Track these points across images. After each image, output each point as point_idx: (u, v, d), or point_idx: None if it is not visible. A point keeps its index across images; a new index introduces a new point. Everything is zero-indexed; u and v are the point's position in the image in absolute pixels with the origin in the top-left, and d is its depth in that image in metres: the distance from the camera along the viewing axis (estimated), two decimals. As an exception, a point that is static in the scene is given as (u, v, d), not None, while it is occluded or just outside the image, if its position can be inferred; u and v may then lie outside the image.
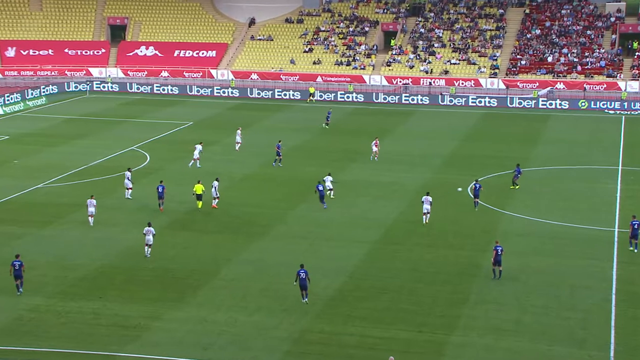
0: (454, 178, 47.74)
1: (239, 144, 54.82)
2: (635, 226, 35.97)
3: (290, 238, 37.42)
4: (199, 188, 41.66)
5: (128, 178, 43.23)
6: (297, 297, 30.35)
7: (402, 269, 33.49)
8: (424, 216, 39.50)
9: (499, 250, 31.93)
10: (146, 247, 34.73)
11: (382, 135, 59.52)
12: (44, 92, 78.19)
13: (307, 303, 29.81)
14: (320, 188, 42.00)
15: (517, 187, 45.48)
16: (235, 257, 34.85)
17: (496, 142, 57.87)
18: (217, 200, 41.63)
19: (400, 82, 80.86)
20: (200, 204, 41.54)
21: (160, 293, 30.88)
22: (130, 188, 43.07)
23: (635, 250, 35.63)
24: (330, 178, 44.69)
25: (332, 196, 43.61)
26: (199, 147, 50.67)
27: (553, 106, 73.89)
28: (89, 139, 59.78)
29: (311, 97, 76.84)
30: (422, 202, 39.60)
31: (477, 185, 42.35)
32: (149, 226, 35.16)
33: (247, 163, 51.25)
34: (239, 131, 55.73)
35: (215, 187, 41.73)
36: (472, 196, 42.38)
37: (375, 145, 52.05)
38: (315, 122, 66.20)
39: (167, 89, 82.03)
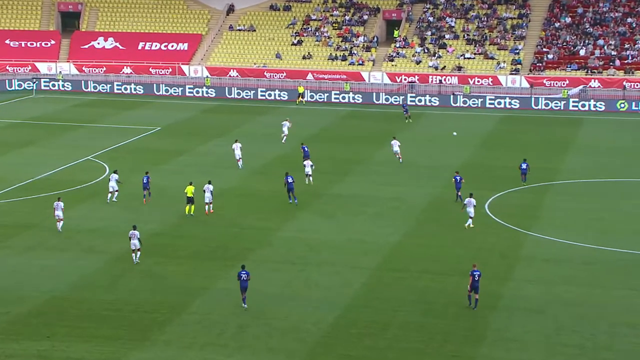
0: (466, 194, 47.85)
1: (285, 136, 60.05)
2: None
3: (276, 263, 37.47)
4: (190, 190, 43.09)
5: (116, 180, 45.75)
6: (285, 334, 30.36)
7: (407, 300, 33.56)
8: (470, 220, 41.48)
9: (477, 276, 32.47)
10: (133, 254, 36.82)
11: (383, 142, 59.73)
12: (-18, 91, 78.27)
13: (246, 309, 31.97)
14: (290, 180, 44.48)
15: (524, 183, 49.13)
16: (211, 286, 34.86)
17: (518, 151, 58.12)
18: (210, 205, 43.76)
19: (405, 80, 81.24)
20: (188, 208, 43.15)
21: (121, 330, 30.81)
22: (117, 191, 45.73)
23: None
24: (310, 162, 47.96)
25: (311, 183, 48.09)
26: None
27: (586, 108, 74.34)
28: (36, 147, 59.75)
29: (301, 98, 77.09)
30: (465, 204, 41.82)
31: (458, 178, 45.68)
32: (134, 229, 36.74)
33: (224, 175, 51.32)
34: (287, 122, 61.24)
35: (210, 191, 43.51)
36: (456, 190, 45.73)
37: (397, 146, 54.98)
38: (306, 126, 66.38)
39: (130, 88, 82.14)
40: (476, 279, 32.46)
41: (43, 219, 43.08)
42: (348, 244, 39.92)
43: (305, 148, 52.95)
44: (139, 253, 37.16)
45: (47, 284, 35.00)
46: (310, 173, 48.81)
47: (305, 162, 49.63)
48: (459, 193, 45.72)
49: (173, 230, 41.90)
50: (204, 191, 43.84)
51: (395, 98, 76.94)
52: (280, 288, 34.52)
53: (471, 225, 41.81)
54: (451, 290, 34.29)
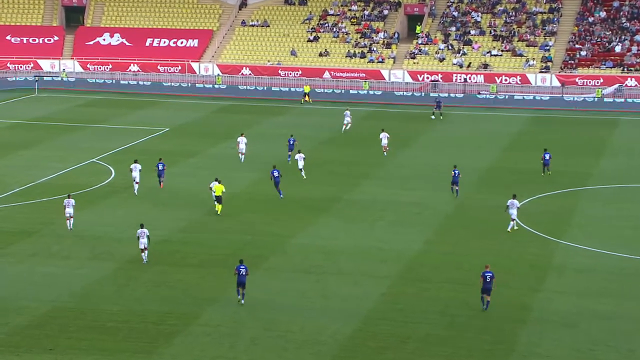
0: (493, 198, 47.77)
1: (347, 125, 64.17)
2: None
3: (290, 272, 37.49)
4: (219, 189, 44.47)
5: (139, 170, 47.93)
6: (300, 347, 30.36)
7: (429, 311, 33.47)
8: (512, 222, 41.82)
9: (488, 277, 33.07)
10: (142, 253, 37.95)
11: (404, 144, 59.84)
12: (-19, 90, 78.80)
13: (242, 304, 33.33)
14: (276, 174, 46.60)
15: (549, 173, 51.72)
16: (221, 296, 34.88)
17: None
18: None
19: (427, 78, 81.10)
20: (219, 207, 44.66)
21: (126, 342, 30.88)
22: (138, 182, 47.97)
23: None
24: (302, 155, 50.27)
25: (304, 176, 50.61)
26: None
27: (622, 108, 73.92)
28: (38, 149, 60.06)
29: (307, 98, 77.04)
30: (508, 206, 42.12)
31: (457, 172, 47.64)
32: (142, 227, 37.77)
33: (236, 178, 51.36)
34: (348, 112, 65.40)
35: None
36: (451, 184, 47.70)
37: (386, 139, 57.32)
38: (323, 127, 66.48)
39: (137, 87, 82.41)
40: (487, 280, 33.08)
41: (45, 224, 43.30)
42: (367, 252, 39.87)
43: (292, 141, 55.17)
44: (146, 252, 37.94)
45: (49, 293, 35.11)
46: (302, 167, 51.11)
47: (297, 156, 51.60)
48: (457, 187, 47.53)
49: (182, 236, 41.99)
50: (210, 188, 45.08)
51: (418, 96, 76.80)
52: (295, 298, 34.51)
53: (515, 228, 42.20)
54: (476, 302, 34.14)
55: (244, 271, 33.47)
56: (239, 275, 33.47)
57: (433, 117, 69.45)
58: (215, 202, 44.77)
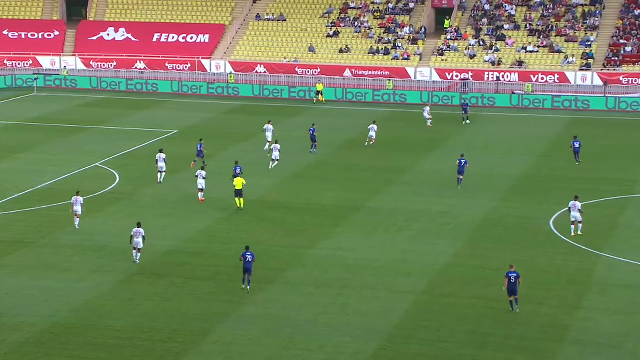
0: (528, 208, 47.62)
1: (429, 120, 67.08)
2: None
3: (308, 286, 37.52)
4: (239, 182, 46.15)
5: (164, 160, 51.05)
6: (316, 369, 30.43)
7: (459, 330, 33.42)
8: (572, 226, 42.27)
9: (513, 278, 34.06)
10: (134, 252, 39.12)
11: (431, 149, 59.66)
12: (-23, 89, 79.34)
13: (248, 291, 35.49)
14: (238, 171, 48.40)
15: (579, 162, 54.70)
16: (234, 312, 34.97)
17: (589, 159, 57.69)
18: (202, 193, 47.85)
19: (457, 77, 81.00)
20: (240, 202, 46.45)
21: (131, 361, 31.02)
22: (164, 172, 51.05)
23: None
24: (278, 147, 54.06)
25: (271, 167, 53.53)
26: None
27: (668, 109, 73.73)
28: (37, 152, 60.41)
29: (320, 97, 77.17)
30: (569, 208, 43.24)
31: (463, 161, 50.31)
32: (138, 227, 38.84)
33: (250, 184, 51.33)
34: (427, 107, 67.98)
35: (203, 178, 47.87)
36: (457, 174, 50.15)
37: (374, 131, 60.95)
38: (343, 130, 66.46)
39: (144, 86, 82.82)
40: (512, 281, 34.10)
41: (44, 234, 43.56)
42: (390, 265, 39.87)
43: (312, 130, 57.93)
44: (139, 254, 38.99)
45: (48, 308, 35.27)
46: (277, 158, 53.63)
47: (273, 146, 54.28)
48: (461, 177, 50.07)
49: (191, 247, 42.10)
50: (197, 177, 47.38)
51: (446, 98, 76.74)
52: (314, 314, 34.54)
53: (579, 233, 42.81)
54: (509, 320, 34.07)
55: (250, 257, 35.61)
56: (245, 262, 35.50)
57: (466, 121, 69.05)
58: (236, 197, 46.08)
